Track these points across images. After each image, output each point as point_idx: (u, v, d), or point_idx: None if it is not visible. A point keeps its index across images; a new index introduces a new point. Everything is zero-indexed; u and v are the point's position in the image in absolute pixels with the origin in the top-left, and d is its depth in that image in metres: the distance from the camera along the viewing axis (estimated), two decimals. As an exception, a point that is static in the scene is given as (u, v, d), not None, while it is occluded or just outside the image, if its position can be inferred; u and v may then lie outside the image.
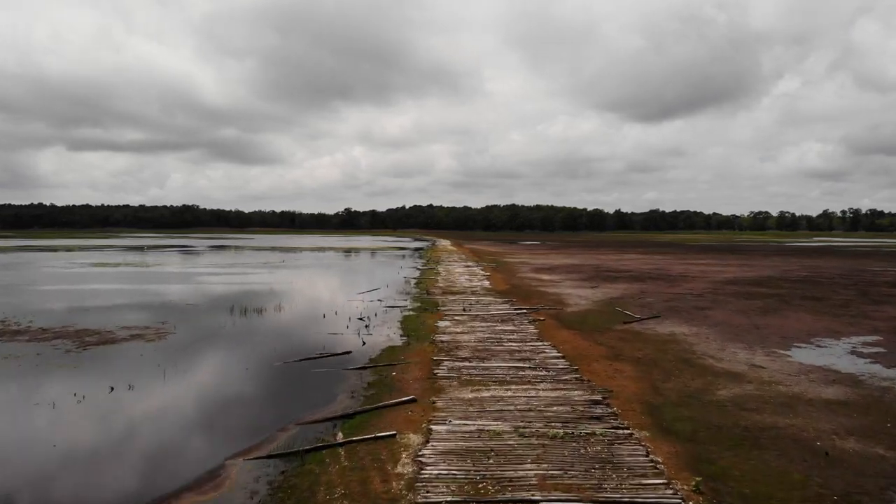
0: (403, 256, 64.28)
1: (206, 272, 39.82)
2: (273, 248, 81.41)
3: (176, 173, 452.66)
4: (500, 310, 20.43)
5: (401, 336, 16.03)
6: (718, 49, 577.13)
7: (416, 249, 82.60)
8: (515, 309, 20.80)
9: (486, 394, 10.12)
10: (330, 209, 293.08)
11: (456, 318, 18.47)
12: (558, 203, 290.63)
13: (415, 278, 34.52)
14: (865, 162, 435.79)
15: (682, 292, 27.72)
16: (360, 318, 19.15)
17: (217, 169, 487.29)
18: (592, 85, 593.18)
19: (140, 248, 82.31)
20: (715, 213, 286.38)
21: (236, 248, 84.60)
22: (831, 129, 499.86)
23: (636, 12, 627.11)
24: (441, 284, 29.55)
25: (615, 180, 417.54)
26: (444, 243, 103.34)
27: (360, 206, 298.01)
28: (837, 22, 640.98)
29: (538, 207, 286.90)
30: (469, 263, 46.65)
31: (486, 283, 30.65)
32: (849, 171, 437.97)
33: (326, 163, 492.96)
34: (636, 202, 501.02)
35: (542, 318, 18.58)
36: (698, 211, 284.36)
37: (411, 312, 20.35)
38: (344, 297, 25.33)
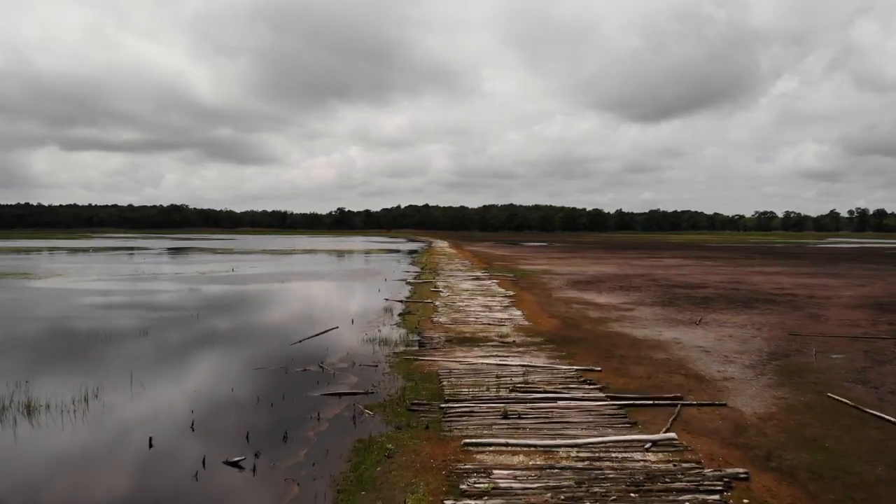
0: (397, 261, 52.26)
1: (106, 289, 27.73)
2: (244, 252, 69.30)
3: (170, 173, 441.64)
4: (590, 411, 8.51)
5: None
6: (717, 48, 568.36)
7: (410, 252, 70.57)
8: (620, 404, 8.89)
9: None
10: (325, 210, 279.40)
11: (496, 470, 6.53)
12: (555, 203, 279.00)
13: (402, 302, 22.57)
14: (861, 162, 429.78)
15: (855, 334, 15.89)
16: (235, 465, 7.10)
17: (212, 169, 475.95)
18: (590, 85, 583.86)
19: (86, 251, 70.16)
20: (716, 213, 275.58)
21: (198, 250, 72.29)
22: (828, 130, 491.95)
23: (636, 11, 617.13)
24: (443, 319, 17.56)
25: (611, 180, 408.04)
26: (442, 245, 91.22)
27: (356, 206, 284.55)
28: (837, 21, 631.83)
29: (537, 207, 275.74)
30: (477, 273, 34.71)
31: (517, 313, 18.68)
32: (845, 171, 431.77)
33: (322, 163, 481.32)
34: (632, 202, 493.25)
35: (744, 475, 6.58)
36: (699, 211, 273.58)
37: (376, 430, 8.28)
38: (263, 356, 13.30)
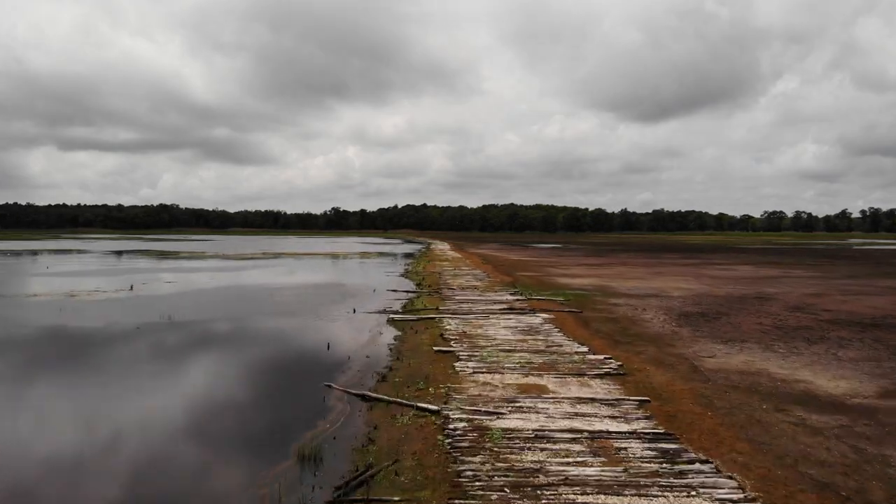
0: (386, 271, 39.19)
1: None
2: (200, 257, 56.38)
3: (167, 173, 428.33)
4: None
5: None
6: (717, 47, 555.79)
7: (406, 256, 57.64)
8: None
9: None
10: (321, 211, 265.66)
11: None
12: (555, 203, 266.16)
13: (365, 400, 9.62)
14: (860, 162, 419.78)
15: None
16: None
17: (209, 169, 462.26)
18: (589, 84, 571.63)
19: (3, 253, 57.23)
20: (722, 214, 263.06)
21: (148, 253, 59.16)
22: (827, 130, 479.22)
23: (636, 8, 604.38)
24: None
25: (609, 181, 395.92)
26: (443, 247, 77.99)
27: (353, 207, 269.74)
28: (839, 20, 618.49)
29: (538, 207, 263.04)
30: (505, 295, 21.74)
31: (723, 496, 5.85)
32: (843, 171, 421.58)
33: (319, 163, 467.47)
34: (630, 203, 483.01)
35: None
36: (704, 211, 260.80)
37: None
38: None
